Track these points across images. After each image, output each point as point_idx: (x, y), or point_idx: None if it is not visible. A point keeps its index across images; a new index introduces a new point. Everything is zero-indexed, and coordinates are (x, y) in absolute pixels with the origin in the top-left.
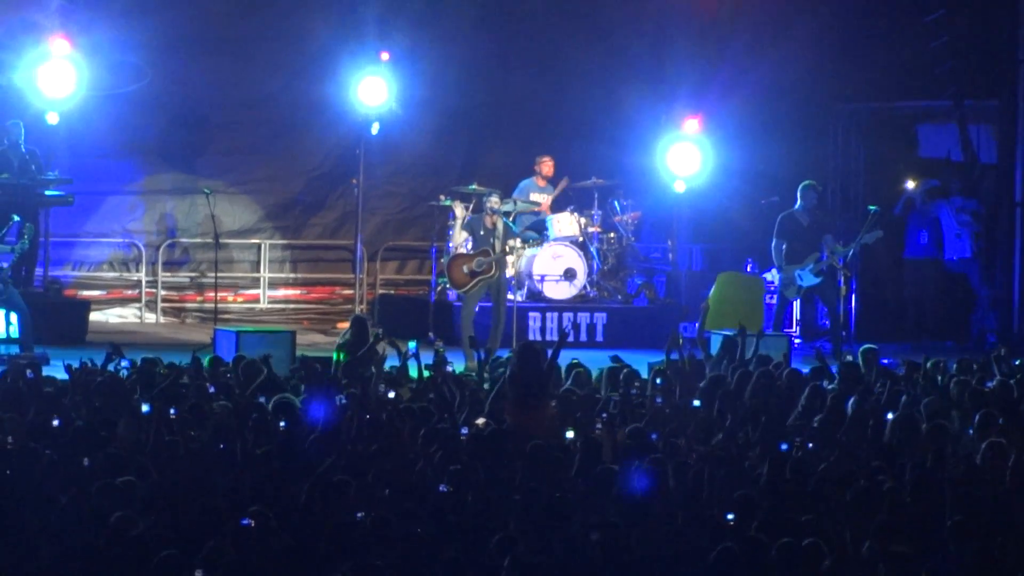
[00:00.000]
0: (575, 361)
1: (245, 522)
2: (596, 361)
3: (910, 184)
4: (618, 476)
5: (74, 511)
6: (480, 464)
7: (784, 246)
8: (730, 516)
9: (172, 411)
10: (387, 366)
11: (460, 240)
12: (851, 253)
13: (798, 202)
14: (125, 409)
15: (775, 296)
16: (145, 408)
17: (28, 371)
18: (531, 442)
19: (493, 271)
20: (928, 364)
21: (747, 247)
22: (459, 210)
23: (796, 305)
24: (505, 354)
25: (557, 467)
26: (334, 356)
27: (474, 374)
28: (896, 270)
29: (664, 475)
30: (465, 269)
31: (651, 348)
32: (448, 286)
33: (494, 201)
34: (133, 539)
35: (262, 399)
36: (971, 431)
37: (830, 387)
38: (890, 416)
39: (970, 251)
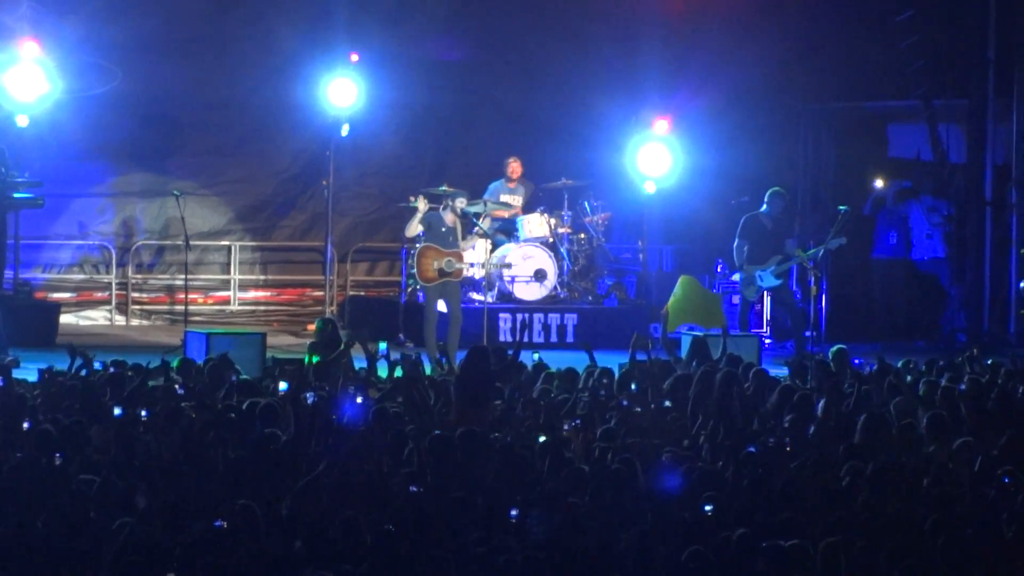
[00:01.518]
0: (539, 362)
1: (218, 524)
2: (566, 361)
3: (878, 183)
4: (591, 476)
5: (48, 513)
6: (449, 464)
7: (746, 247)
8: (707, 507)
9: (144, 414)
10: (356, 367)
11: (414, 232)
12: (818, 255)
13: (764, 206)
14: (97, 413)
15: (738, 297)
16: (117, 411)
17: None
18: (493, 442)
19: (460, 276)
20: (899, 364)
21: (717, 248)
22: (422, 204)
23: (766, 305)
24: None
25: (526, 468)
26: (306, 359)
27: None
28: (865, 270)
29: (634, 475)
30: (435, 265)
31: (622, 349)
32: (419, 288)
33: (461, 202)
34: (105, 541)
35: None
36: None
37: (800, 387)
38: (860, 417)
39: (941, 251)
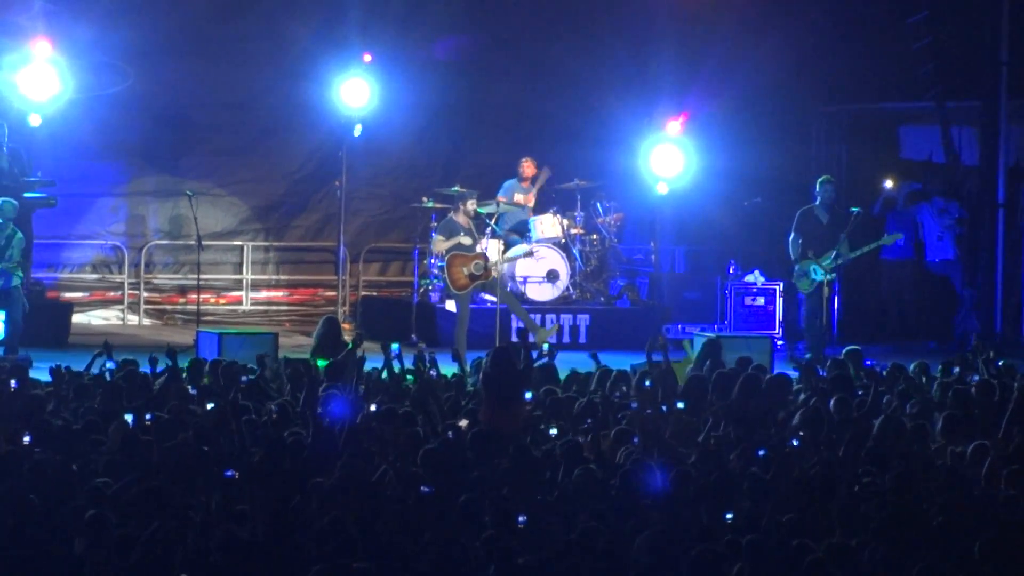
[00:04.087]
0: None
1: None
2: (577, 363)
3: (888, 184)
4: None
5: (61, 513)
6: (462, 465)
7: (800, 240)
8: (728, 516)
9: (148, 416)
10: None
11: (442, 248)
12: (859, 254)
13: (816, 198)
14: (115, 412)
15: (751, 298)
16: (129, 414)
17: (13, 380)
18: (508, 442)
19: (491, 275)
20: (912, 366)
21: (730, 249)
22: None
23: (779, 305)
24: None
25: (540, 469)
26: (310, 361)
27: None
28: (874, 272)
29: (649, 478)
30: (465, 271)
31: (634, 350)
32: (431, 288)
33: (472, 203)
34: (115, 540)
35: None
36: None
37: (812, 389)
38: (875, 419)
39: (952, 253)
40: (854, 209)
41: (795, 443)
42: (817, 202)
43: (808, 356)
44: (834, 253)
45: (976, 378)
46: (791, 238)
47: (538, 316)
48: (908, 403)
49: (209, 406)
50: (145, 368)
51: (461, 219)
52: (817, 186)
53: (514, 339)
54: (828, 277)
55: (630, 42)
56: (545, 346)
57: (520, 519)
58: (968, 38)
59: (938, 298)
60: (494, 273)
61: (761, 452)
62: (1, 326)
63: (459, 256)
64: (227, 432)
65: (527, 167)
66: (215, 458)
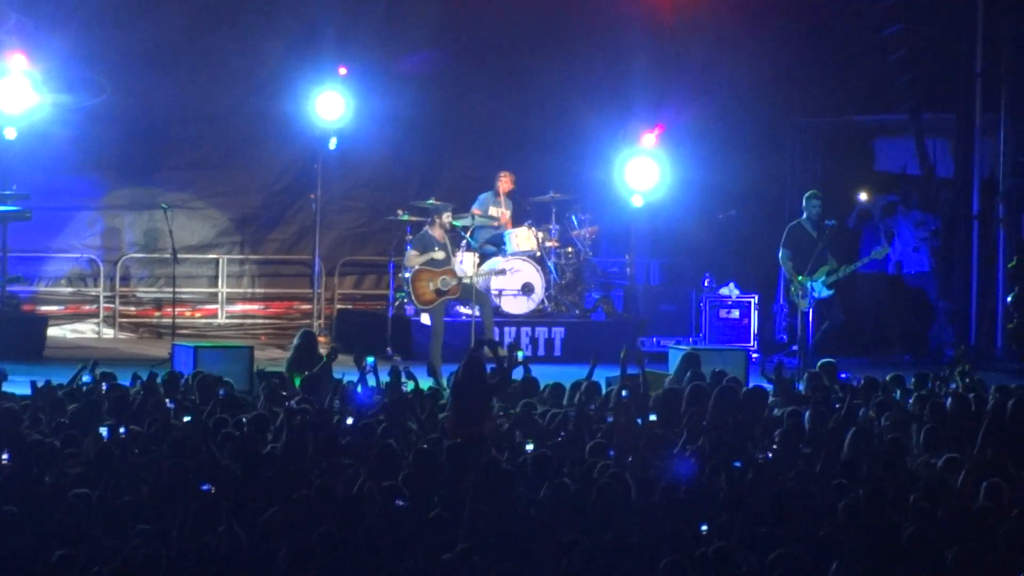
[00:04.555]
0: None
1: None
2: (553, 376)
3: (863, 197)
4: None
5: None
6: (434, 478)
7: (790, 256)
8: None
9: (123, 430)
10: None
11: (414, 262)
12: (854, 268)
13: (803, 213)
14: (91, 425)
15: (726, 311)
16: (104, 428)
17: None
18: (475, 453)
19: (459, 292)
20: (888, 378)
21: (704, 261)
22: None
23: (754, 319)
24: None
25: (510, 481)
26: (285, 371)
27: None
28: (849, 284)
29: (626, 489)
30: (431, 286)
31: (608, 363)
32: (407, 301)
33: (447, 216)
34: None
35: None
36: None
37: (786, 401)
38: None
39: (928, 265)
40: (829, 222)
41: (769, 456)
42: (804, 217)
43: (799, 368)
44: (828, 268)
45: (953, 386)
46: (781, 254)
47: (514, 329)
48: (883, 416)
49: (186, 419)
50: (124, 382)
51: (437, 233)
52: (804, 201)
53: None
54: (828, 293)
55: (605, 55)
56: (520, 354)
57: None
58: (943, 51)
59: (913, 310)
60: (459, 291)
61: (737, 464)
62: None
63: (425, 271)
64: (205, 445)
65: (504, 181)
66: (192, 471)
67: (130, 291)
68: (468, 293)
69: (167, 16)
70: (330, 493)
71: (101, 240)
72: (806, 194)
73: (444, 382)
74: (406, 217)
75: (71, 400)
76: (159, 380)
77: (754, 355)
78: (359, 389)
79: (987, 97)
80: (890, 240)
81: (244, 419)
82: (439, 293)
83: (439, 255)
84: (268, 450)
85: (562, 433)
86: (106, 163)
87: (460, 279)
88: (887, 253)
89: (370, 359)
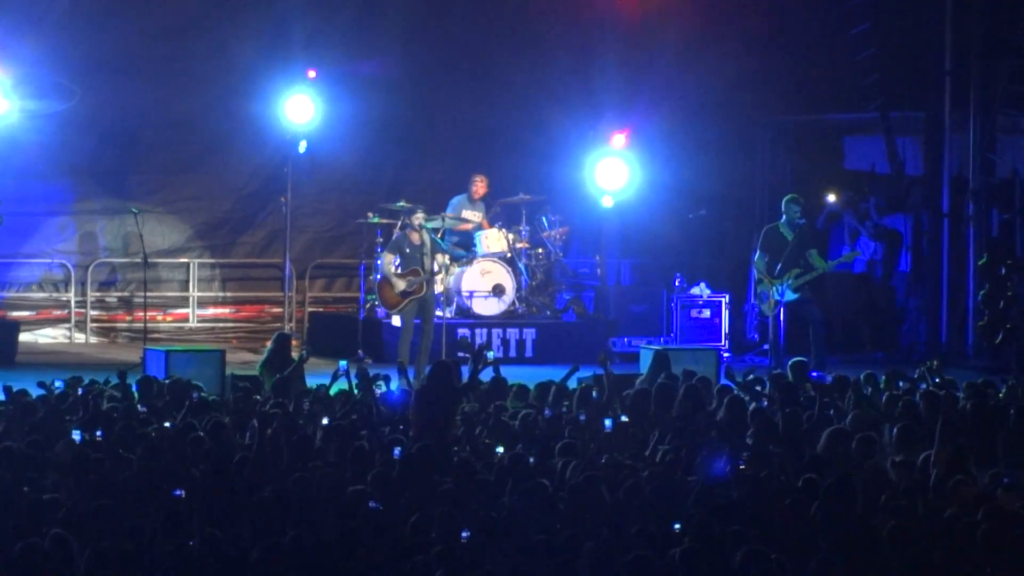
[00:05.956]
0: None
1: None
2: (523, 377)
3: (831, 197)
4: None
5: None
6: (407, 481)
7: (766, 259)
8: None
9: (98, 433)
10: (314, 384)
11: (388, 263)
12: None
13: (782, 216)
14: (62, 431)
15: (697, 311)
16: (77, 432)
17: None
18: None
19: (424, 290)
20: (861, 376)
21: (675, 261)
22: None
23: (725, 318)
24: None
25: (485, 484)
26: (258, 373)
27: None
28: (819, 283)
29: (599, 490)
30: (396, 289)
31: (582, 363)
32: (377, 304)
33: (419, 217)
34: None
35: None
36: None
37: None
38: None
39: (880, 254)
40: (800, 221)
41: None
42: (783, 220)
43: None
44: (796, 271)
45: (923, 387)
46: (756, 257)
47: (485, 331)
48: (852, 414)
49: (166, 424)
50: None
51: (412, 236)
52: (783, 204)
53: (460, 354)
54: (795, 296)
55: (574, 56)
56: (490, 354)
57: (464, 534)
58: (912, 49)
59: (883, 308)
60: (424, 289)
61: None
62: None
63: (391, 275)
64: (176, 450)
65: (479, 185)
66: (163, 475)
67: (101, 296)
68: (424, 306)
69: (136, 21)
70: (302, 495)
71: (73, 245)
72: (785, 198)
73: (412, 381)
74: (376, 220)
75: (40, 404)
76: (132, 385)
77: (725, 354)
78: (393, 388)
79: (956, 95)
80: (855, 238)
81: (215, 423)
82: (404, 295)
83: (407, 252)
84: (240, 455)
85: (536, 432)
86: (77, 168)
87: (423, 277)
88: (857, 256)
89: (343, 363)
